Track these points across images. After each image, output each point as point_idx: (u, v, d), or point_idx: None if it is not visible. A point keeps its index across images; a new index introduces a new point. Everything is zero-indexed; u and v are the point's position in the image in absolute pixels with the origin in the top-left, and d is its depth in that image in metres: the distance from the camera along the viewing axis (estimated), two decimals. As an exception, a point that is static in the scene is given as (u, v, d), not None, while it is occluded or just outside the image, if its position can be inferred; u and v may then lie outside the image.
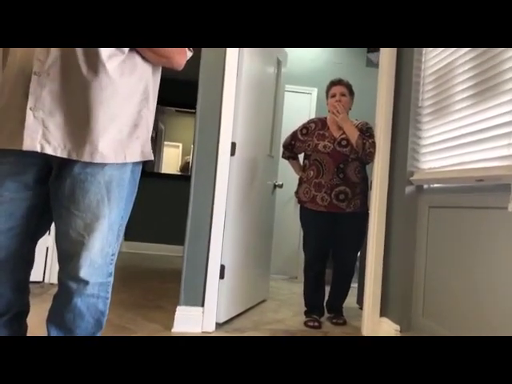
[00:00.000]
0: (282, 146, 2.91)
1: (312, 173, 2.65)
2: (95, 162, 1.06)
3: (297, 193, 2.76)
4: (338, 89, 2.69)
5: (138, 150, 1.15)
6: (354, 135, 2.57)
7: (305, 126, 2.77)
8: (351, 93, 2.73)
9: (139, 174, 1.21)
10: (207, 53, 2.37)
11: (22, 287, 1.16)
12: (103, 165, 1.08)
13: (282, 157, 2.93)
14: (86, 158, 1.05)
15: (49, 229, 1.21)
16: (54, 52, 1.04)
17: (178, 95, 5.05)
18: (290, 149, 2.82)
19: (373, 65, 4.11)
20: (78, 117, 1.05)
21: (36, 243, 1.17)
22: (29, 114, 1.02)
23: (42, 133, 1.03)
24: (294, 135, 2.80)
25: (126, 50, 1.10)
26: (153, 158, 1.20)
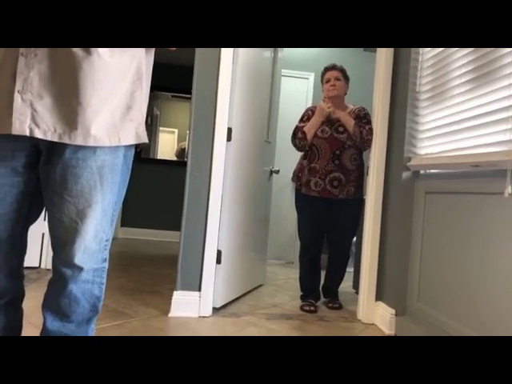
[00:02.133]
0: (296, 146, 2.70)
1: (308, 158, 2.64)
2: (88, 145, 1.03)
3: (293, 177, 2.77)
4: (333, 73, 2.68)
5: (133, 132, 1.12)
6: (350, 124, 2.57)
7: (304, 115, 2.75)
8: (346, 77, 2.71)
9: (132, 159, 1.19)
10: (203, 36, 2.34)
11: (15, 273, 1.15)
12: (94, 149, 1.05)
13: (300, 147, 2.69)
14: (78, 142, 1.02)
15: (40, 214, 1.20)
16: None
17: (174, 80, 5.00)
18: (304, 136, 2.65)
19: (371, 50, 4.07)
20: (69, 99, 1.02)
21: (28, 229, 1.16)
22: (17, 97, 0.99)
23: (31, 116, 1.00)
24: (296, 129, 2.69)
25: None
26: (147, 141, 1.18)
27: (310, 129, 2.61)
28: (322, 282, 2.79)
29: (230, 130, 2.40)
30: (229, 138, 2.40)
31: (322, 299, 2.78)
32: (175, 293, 2.31)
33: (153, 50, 1.20)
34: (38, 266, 3.05)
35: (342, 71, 2.70)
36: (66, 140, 1.02)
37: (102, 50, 1.03)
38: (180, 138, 5.67)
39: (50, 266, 3.37)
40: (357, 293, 2.69)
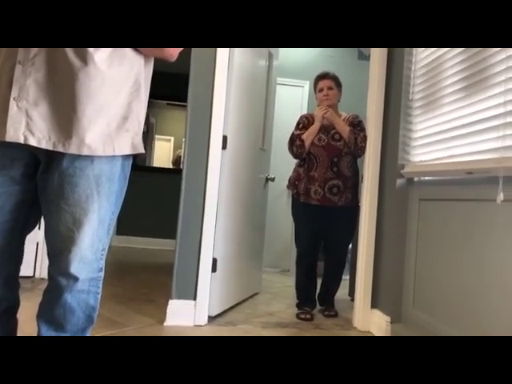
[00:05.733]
0: (293, 153, 2.69)
1: (306, 166, 2.65)
2: (82, 154, 1.04)
3: (289, 185, 2.78)
4: (325, 83, 2.69)
5: (128, 142, 1.12)
6: (345, 130, 2.59)
7: (299, 122, 2.75)
8: (338, 85, 2.73)
9: (129, 169, 1.19)
10: (198, 45, 2.36)
11: (11, 282, 1.15)
12: (92, 158, 1.06)
13: (297, 155, 2.68)
14: (72, 150, 1.03)
15: (37, 224, 1.20)
16: None
17: (169, 88, 5.01)
18: (302, 144, 2.64)
19: (365, 58, 4.11)
20: (65, 108, 1.03)
21: (25, 238, 1.16)
22: (12, 104, 1.00)
23: (26, 123, 1.00)
24: (293, 137, 2.69)
25: None
26: (144, 151, 1.18)
27: (308, 136, 2.63)
28: (317, 289, 2.79)
29: (225, 138, 2.41)
30: (224, 146, 2.40)
31: (318, 307, 2.77)
32: (170, 301, 2.30)
33: (152, 62, 1.21)
34: (32, 275, 3.02)
35: (335, 79, 2.72)
36: (60, 148, 1.02)
37: (98, 60, 1.04)
38: (176, 146, 5.68)
39: (44, 276, 3.33)
40: (352, 300, 2.68)
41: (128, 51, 1.10)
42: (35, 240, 2.91)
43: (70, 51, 1.02)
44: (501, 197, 1.50)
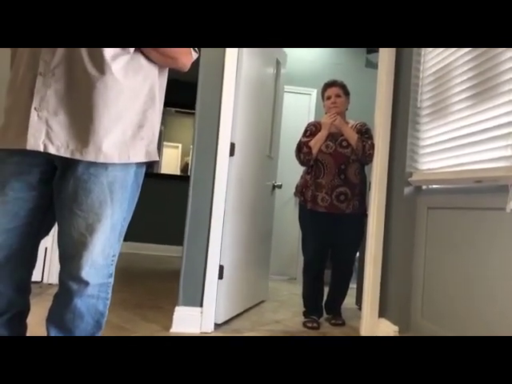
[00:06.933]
0: (300, 160, 2.68)
1: (313, 173, 2.65)
2: (99, 161, 1.06)
3: (296, 193, 2.78)
4: (333, 90, 2.70)
5: (143, 150, 1.15)
6: (353, 138, 2.59)
7: (306, 130, 2.76)
8: (346, 93, 2.73)
9: (142, 176, 1.21)
10: (207, 53, 2.38)
11: (23, 287, 1.16)
12: (106, 165, 1.08)
13: (304, 162, 2.68)
14: (89, 158, 1.05)
15: (51, 229, 1.21)
16: (60, 52, 1.05)
17: (178, 96, 5.03)
18: (309, 151, 2.65)
19: (372, 65, 4.11)
20: (83, 117, 1.06)
21: (39, 243, 1.18)
22: (33, 114, 1.03)
23: (46, 132, 1.04)
24: (301, 144, 2.68)
25: (131, 50, 1.10)
26: (158, 159, 1.21)
27: (315, 143, 2.63)
28: (324, 298, 2.78)
29: (232, 145, 2.42)
30: (231, 153, 2.42)
31: (325, 315, 2.75)
32: (177, 308, 2.30)
33: (166, 72, 1.24)
34: (40, 280, 3.04)
35: (343, 87, 2.73)
36: (77, 156, 1.05)
37: (116, 70, 1.07)
38: (184, 153, 5.71)
39: (52, 281, 3.34)
40: (359, 308, 2.66)
41: (143, 61, 1.13)
42: (44, 245, 2.93)
43: (88, 62, 1.05)
44: (510, 206, 1.49)
